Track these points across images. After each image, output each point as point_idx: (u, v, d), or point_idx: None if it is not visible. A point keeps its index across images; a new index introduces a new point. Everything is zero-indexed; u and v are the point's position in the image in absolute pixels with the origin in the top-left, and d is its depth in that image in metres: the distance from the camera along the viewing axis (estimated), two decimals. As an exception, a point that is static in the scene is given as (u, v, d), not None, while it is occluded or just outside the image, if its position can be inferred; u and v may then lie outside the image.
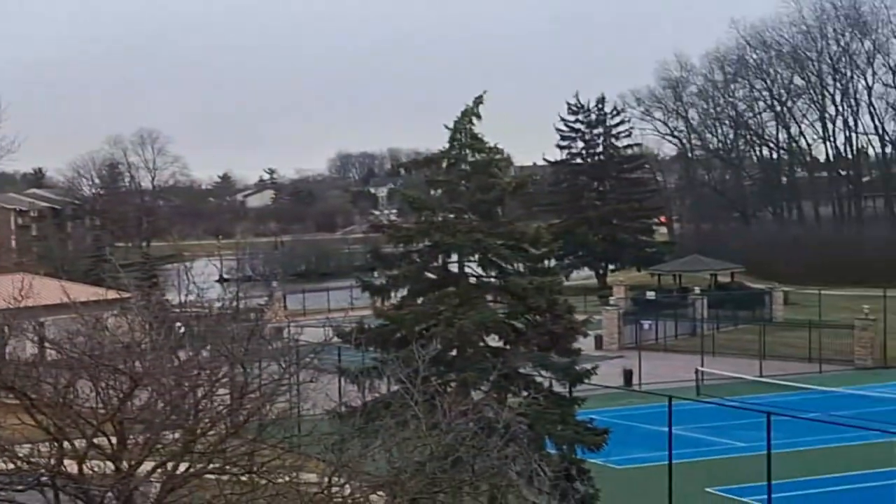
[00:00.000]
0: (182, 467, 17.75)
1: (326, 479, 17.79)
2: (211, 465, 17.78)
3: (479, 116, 36.54)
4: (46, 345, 23.21)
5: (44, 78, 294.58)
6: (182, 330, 22.52)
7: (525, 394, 31.90)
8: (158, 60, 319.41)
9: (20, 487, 17.35)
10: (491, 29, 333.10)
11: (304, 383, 22.38)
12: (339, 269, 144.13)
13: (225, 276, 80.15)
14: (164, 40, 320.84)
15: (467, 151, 36.59)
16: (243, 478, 17.72)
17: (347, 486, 17.63)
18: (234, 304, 24.53)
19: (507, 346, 35.29)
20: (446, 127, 37.14)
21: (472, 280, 36.46)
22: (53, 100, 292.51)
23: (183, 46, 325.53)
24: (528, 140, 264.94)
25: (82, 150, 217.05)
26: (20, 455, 17.56)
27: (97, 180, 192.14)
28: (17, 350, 27.11)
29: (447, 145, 37.11)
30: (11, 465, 17.41)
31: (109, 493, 17.29)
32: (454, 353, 34.83)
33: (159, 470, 17.89)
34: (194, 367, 19.86)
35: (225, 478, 17.65)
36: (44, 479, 17.37)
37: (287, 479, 17.49)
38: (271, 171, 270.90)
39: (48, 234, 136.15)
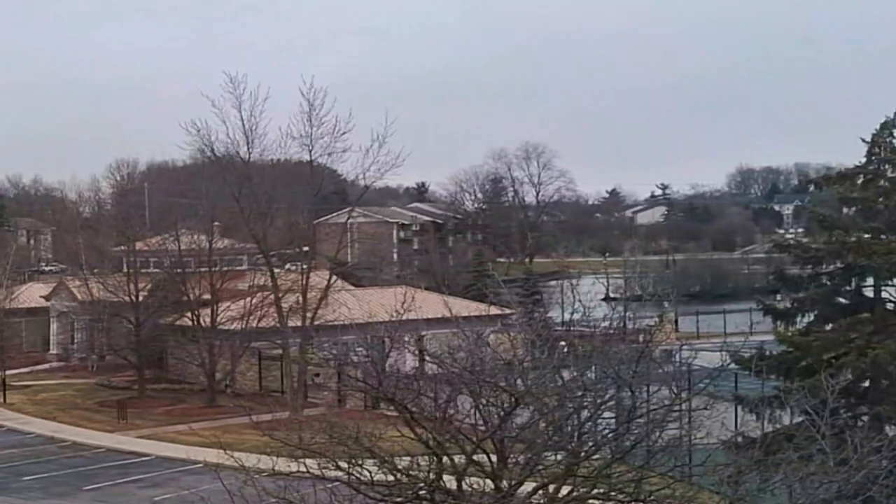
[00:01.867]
0: (564, 490, 18.08)
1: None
2: (595, 491, 18.00)
3: (902, 129, 35.18)
4: (427, 358, 24.25)
5: (426, 92, 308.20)
6: (566, 349, 22.91)
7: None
8: (541, 72, 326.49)
9: (399, 499, 18.26)
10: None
11: (697, 410, 22.20)
12: (737, 291, 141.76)
13: (612, 294, 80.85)
14: (544, 51, 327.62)
15: (887, 167, 35.27)
16: (629, 506, 17.83)
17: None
18: (622, 323, 24.68)
19: (931, 382, 33.63)
20: (863, 140, 35.90)
21: (890, 306, 35.01)
22: (437, 113, 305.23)
23: (565, 58, 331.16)
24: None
25: (465, 165, 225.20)
26: (400, 467, 18.48)
27: (480, 195, 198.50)
28: (398, 363, 28.55)
29: (863, 160, 35.88)
30: (391, 477, 18.36)
31: (488, 512, 17.88)
32: (867, 384, 33.55)
33: (540, 491, 18.30)
34: (579, 387, 20.15)
35: (609, 504, 17.84)
36: (422, 492, 18.21)
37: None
38: (663, 187, 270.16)
39: (430, 248, 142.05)
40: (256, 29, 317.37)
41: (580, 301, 24.98)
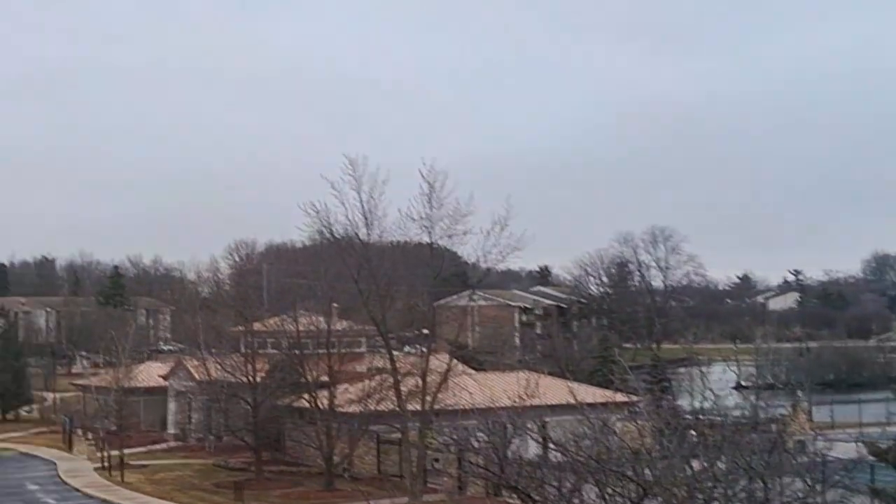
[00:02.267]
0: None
1: None
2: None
3: None
4: (551, 445, 24.09)
5: (549, 173, 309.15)
6: (696, 438, 22.61)
7: None
8: (670, 155, 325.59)
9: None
10: None
11: (833, 503, 21.72)
12: (873, 380, 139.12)
13: (743, 382, 79.58)
14: (670, 134, 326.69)
15: None
16: None
17: None
18: (754, 413, 24.31)
19: None
20: None
21: None
22: (560, 196, 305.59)
23: (693, 140, 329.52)
24: None
25: (589, 248, 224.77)
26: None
27: (605, 279, 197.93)
28: (520, 449, 28.39)
29: None
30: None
31: None
32: None
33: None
34: (709, 478, 19.85)
35: None
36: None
37: None
38: (796, 273, 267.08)
39: (553, 333, 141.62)
40: (376, 109, 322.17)
41: (710, 389, 24.63)
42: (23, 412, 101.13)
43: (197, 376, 73.03)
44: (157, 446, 78.66)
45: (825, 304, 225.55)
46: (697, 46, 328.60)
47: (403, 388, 56.99)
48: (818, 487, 20.49)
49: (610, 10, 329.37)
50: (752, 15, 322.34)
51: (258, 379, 64.65)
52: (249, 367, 64.81)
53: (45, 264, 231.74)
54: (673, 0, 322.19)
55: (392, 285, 60.87)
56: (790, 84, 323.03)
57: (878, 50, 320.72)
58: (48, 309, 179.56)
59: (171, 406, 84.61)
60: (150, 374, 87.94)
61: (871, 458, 27.45)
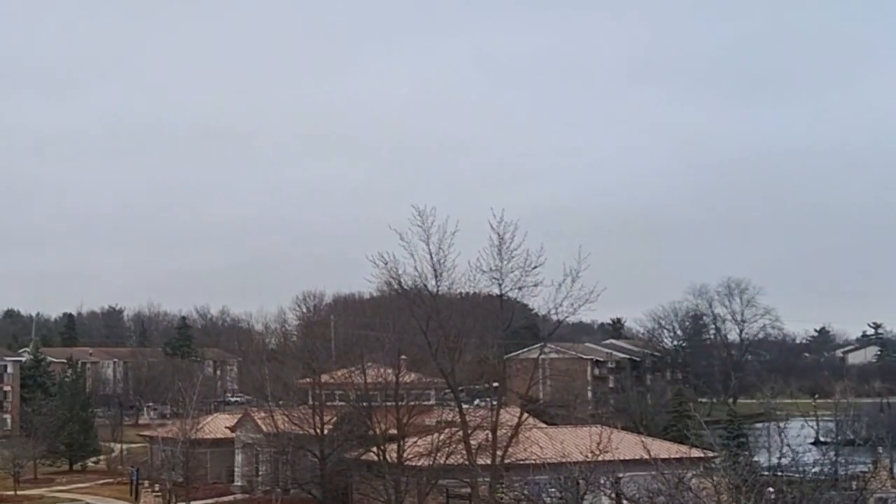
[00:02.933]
0: None
1: None
2: None
3: None
4: (624, 502, 23.95)
5: (622, 225, 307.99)
6: (774, 495, 22.37)
7: None
8: (742, 206, 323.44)
9: None
10: None
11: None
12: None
13: (822, 438, 78.57)
14: (748, 185, 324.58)
15: None
16: None
17: None
18: (834, 469, 23.99)
19: None
20: None
21: None
22: (633, 247, 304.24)
23: (767, 190, 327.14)
24: None
25: (663, 301, 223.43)
26: None
27: (679, 332, 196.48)
28: (593, 505, 28.25)
29: None
30: None
31: None
32: None
33: None
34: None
35: None
36: None
37: None
38: (876, 326, 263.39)
39: (626, 386, 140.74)
40: (447, 162, 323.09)
41: (788, 445, 24.39)
42: (90, 463, 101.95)
43: (264, 428, 73.35)
44: (224, 499, 78.99)
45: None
46: (775, 96, 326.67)
47: (473, 442, 56.87)
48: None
49: (688, 59, 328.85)
50: (827, 64, 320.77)
51: (325, 431, 64.79)
52: (317, 419, 65.00)
53: (113, 315, 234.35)
54: (752, 51, 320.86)
55: (461, 337, 60.92)
56: (867, 134, 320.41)
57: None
58: (115, 360, 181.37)
59: (238, 458, 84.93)
60: (218, 425, 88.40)
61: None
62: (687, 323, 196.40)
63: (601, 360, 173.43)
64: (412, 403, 67.04)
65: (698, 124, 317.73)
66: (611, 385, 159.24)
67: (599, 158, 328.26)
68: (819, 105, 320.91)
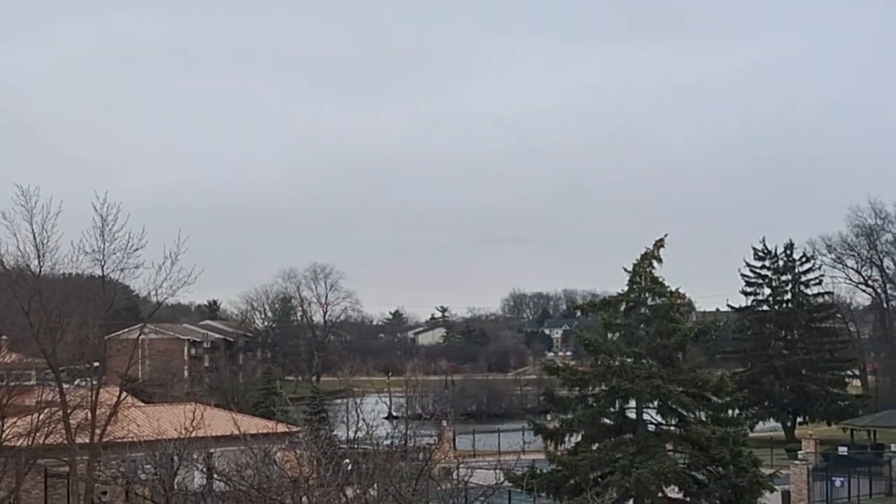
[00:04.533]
0: None
1: None
2: None
3: (659, 260, 36.57)
4: (215, 476, 23.71)
5: (218, 210, 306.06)
6: (350, 467, 22.73)
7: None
8: (333, 197, 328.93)
9: None
10: (677, 169, 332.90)
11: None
12: (511, 411, 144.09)
13: (394, 413, 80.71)
14: (334, 179, 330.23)
15: (647, 295, 36.54)
16: None
17: None
18: (403, 442, 24.65)
19: (688, 498, 34.51)
20: (625, 270, 37.19)
21: (651, 427, 35.97)
22: (231, 233, 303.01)
23: (355, 184, 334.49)
24: (712, 286, 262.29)
25: (257, 284, 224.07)
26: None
27: (270, 313, 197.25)
28: (185, 480, 27.80)
29: (626, 288, 37.11)
30: None
31: None
32: (631, 503, 34.22)
33: None
34: (362, 504, 19.98)
35: None
36: None
37: None
38: (443, 310, 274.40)
39: (220, 366, 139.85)
40: (58, 142, 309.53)
41: (364, 419, 24.77)
42: None
43: None
44: None
45: (468, 339, 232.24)
46: (379, 97, 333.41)
47: (73, 422, 54.83)
48: (460, 512, 20.94)
49: (304, 60, 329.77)
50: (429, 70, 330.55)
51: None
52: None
53: None
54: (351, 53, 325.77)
55: (63, 318, 58.58)
56: (455, 136, 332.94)
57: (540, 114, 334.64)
58: None
59: None
60: None
61: (507, 484, 28.27)
62: (277, 305, 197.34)
63: (198, 340, 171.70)
64: (12, 384, 63.84)
65: (311, 121, 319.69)
66: (206, 364, 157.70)
67: (218, 148, 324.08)
68: (423, 108, 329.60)
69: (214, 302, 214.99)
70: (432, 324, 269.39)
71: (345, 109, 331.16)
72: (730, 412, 37.88)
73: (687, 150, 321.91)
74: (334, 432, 28.78)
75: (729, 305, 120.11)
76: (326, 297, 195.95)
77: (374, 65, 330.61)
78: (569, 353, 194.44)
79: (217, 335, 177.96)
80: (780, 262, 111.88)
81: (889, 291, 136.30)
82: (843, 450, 79.51)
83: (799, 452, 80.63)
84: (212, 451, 29.06)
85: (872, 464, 72.39)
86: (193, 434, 29.23)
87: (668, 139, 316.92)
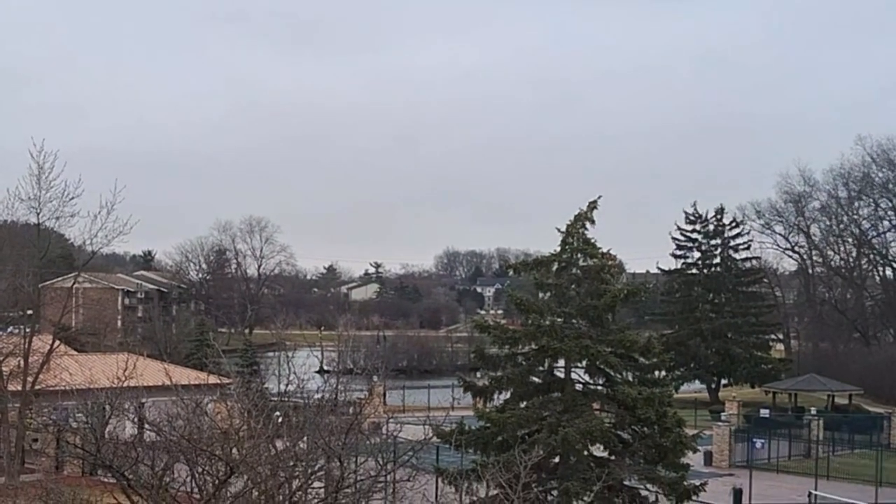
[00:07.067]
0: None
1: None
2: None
3: (592, 221, 36.68)
4: (146, 426, 23.60)
5: (157, 161, 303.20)
6: (280, 419, 22.73)
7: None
8: (271, 151, 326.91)
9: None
10: (613, 132, 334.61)
11: (400, 481, 22.37)
12: (442, 367, 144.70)
13: (326, 367, 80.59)
14: (274, 133, 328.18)
15: (579, 256, 36.65)
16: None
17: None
18: (334, 396, 24.69)
19: (613, 457, 34.89)
20: (558, 230, 37.24)
21: (579, 387, 36.25)
22: (167, 184, 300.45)
23: (294, 138, 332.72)
24: (642, 248, 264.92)
25: (192, 236, 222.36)
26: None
27: (204, 265, 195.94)
28: (117, 430, 27.65)
29: (558, 248, 37.22)
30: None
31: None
32: (557, 460, 34.54)
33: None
34: (291, 457, 20.01)
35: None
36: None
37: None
38: (377, 266, 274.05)
39: (153, 316, 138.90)
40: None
41: (295, 373, 24.75)
42: None
43: None
44: None
45: (401, 295, 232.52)
46: (321, 51, 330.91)
47: (5, 369, 54.29)
48: (389, 466, 21.04)
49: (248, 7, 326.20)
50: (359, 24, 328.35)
51: None
52: None
53: None
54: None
55: (-3, 265, 57.94)
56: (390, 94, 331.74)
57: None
58: None
59: None
60: None
61: (436, 439, 28.44)
62: (212, 257, 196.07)
63: (132, 290, 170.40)
64: (-56, 330, 62.97)
65: (252, 71, 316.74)
66: (140, 315, 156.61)
67: (161, 98, 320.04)
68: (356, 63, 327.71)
69: (149, 253, 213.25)
70: (366, 279, 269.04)
71: (285, 62, 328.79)
72: (656, 373, 38.21)
73: (622, 114, 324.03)
74: (266, 385, 28.72)
75: (659, 268, 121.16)
76: (261, 251, 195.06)
77: (315, 17, 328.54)
78: (500, 312, 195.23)
79: (151, 286, 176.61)
80: (711, 227, 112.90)
81: (814, 258, 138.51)
82: (764, 412, 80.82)
83: (722, 414, 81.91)
84: (143, 401, 28.89)
85: (793, 426, 73.66)
86: (125, 384, 29.05)
87: (605, 106, 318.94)
